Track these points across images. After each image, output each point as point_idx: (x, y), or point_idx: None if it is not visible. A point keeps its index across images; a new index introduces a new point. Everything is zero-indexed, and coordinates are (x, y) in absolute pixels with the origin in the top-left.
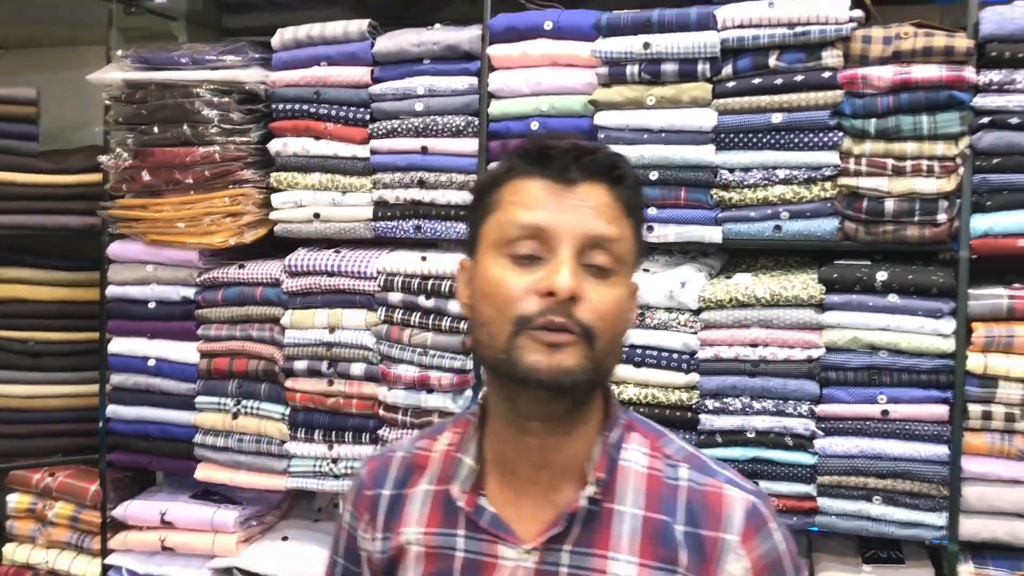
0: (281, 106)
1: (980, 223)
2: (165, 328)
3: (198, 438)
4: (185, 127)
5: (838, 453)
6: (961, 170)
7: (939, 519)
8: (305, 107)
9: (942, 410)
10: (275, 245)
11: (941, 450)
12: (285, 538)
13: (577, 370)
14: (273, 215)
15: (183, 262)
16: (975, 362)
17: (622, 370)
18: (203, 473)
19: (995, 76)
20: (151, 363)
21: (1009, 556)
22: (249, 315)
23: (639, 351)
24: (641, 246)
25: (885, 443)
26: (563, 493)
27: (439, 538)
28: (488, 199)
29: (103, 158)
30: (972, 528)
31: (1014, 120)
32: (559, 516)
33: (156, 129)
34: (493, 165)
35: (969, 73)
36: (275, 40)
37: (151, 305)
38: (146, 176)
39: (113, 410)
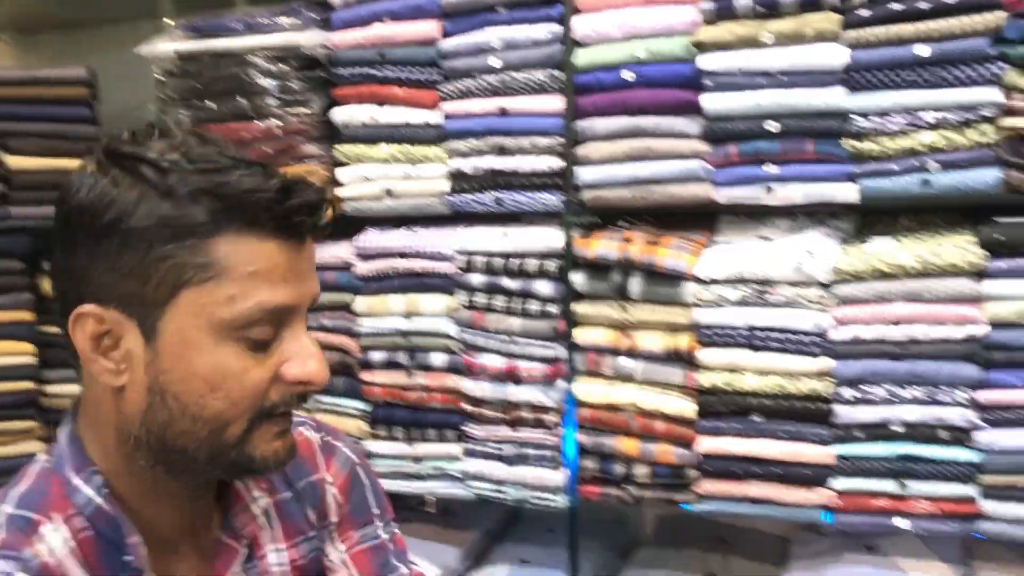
0: (343, 71)
1: None
2: None
3: None
4: (242, 100)
5: (1008, 449)
6: None
7: None
8: (369, 70)
9: None
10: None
11: None
12: None
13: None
14: (341, 192)
15: None
16: None
17: (737, 355)
18: None
19: None
20: None
21: None
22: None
23: (760, 333)
24: None
25: None
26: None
27: None
28: (186, 255)
29: None
30: None
31: None
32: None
33: (212, 104)
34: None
35: None
36: None
37: None
38: None
39: None
